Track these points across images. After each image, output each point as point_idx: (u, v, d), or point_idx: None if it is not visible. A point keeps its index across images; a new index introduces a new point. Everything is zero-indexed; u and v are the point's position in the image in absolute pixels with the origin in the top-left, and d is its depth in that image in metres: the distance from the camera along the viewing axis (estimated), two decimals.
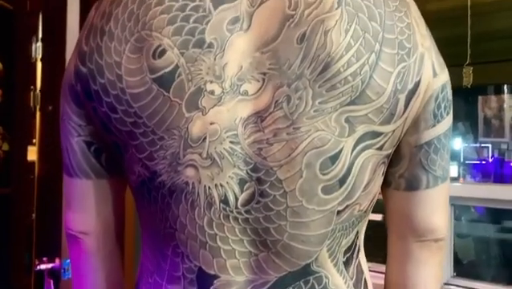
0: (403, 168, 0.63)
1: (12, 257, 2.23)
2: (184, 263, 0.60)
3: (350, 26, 0.56)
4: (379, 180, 0.62)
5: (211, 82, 0.56)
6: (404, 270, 0.66)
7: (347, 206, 0.59)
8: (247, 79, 0.56)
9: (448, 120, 0.63)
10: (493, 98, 2.06)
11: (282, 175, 0.56)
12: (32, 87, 2.41)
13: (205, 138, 0.56)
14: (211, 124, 0.56)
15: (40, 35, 2.17)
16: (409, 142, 0.62)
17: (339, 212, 0.58)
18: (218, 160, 0.56)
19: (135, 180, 0.61)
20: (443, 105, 0.62)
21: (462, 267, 1.88)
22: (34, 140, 2.31)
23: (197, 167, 0.57)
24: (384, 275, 0.69)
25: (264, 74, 0.56)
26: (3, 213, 2.29)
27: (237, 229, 0.58)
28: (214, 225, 0.58)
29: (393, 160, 0.63)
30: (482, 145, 2.03)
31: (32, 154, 2.36)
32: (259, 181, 0.57)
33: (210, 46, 0.56)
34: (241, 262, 0.58)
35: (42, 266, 1.64)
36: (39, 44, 2.17)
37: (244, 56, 0.56)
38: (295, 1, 0.56)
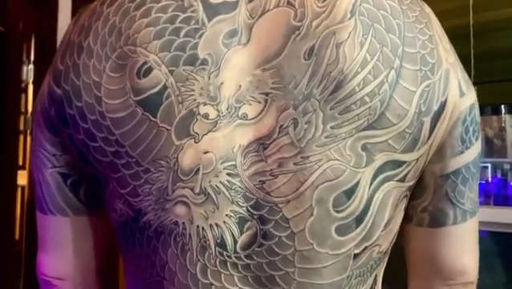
0: (426, 201, 0.58)
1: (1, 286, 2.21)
2: None
3: (365, 39, 0.51)
4: (400, 216, 0.56)
5: (205, 104, 0.51)
6: None
7: (365, 248, 0.53)
8: (247, 101, 0.51)
9: (477, 146, 0.58)
10: (493, 118, 2.08)
11: (288, 213, 0.50)
12: (23, 110, 2.42)
13: (197, 170, 0.51)
14: (205, 153, 0.51)
15: (32, 58, 2.20)
16: (434, 171, 0.57)
17: (355, 255, 0.52)
18: (213, 195, 0.51)
19: (117, 219, 0.55)
20: (471, 129, 0.57)
21: None
22: (24, 165, 2.35)
23: (188, 204, 0.51)
24: None
25: (266, 94, 0.51)
26: None
27: (236, 278, 0.51)
28: (209, 272, 0.51)
29: (415, 192, 0.57)
30: (482, 165, 2.04)
31: (22, 178, 2.39)
32: (262, 220, 0.51)
33: (204, 63, 0.51)
34: None
35: None
36: (31, 67, 2.20)
37: (243, 74, 0.51)
38: (301, 10, 0.51)
